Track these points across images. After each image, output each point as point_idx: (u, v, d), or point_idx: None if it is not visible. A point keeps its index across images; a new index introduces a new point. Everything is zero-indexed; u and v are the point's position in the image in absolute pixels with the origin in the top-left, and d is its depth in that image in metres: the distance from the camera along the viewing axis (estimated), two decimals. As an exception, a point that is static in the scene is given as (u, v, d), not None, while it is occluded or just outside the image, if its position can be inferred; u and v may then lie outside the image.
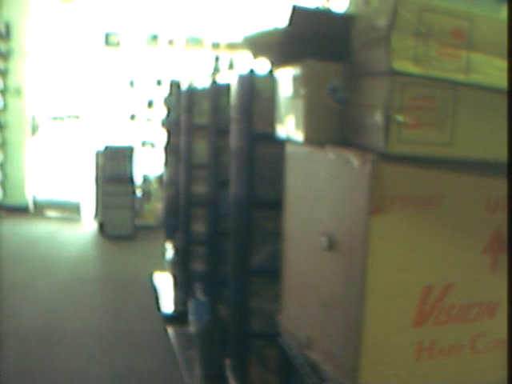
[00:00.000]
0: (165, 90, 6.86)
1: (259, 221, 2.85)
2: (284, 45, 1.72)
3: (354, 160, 1.39)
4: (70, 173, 9.39)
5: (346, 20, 1.59)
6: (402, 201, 1.36)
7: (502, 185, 1.43)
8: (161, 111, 7.41)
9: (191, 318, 4.26)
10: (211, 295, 3.86)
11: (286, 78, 1.75)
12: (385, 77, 1.37)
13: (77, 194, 9.36)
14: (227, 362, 3.06)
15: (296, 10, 1.61)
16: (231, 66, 7.90)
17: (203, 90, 4.41)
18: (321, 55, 1.58)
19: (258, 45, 2.10)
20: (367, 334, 1.39)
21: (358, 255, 1.40)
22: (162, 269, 5.82)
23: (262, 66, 2.67)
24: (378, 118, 1.37)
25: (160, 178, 7.71)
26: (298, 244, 1.78)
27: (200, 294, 4.08)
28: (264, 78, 2.76)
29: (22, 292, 5.52)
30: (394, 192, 1.35)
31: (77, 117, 9.26)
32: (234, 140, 3.03)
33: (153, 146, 9.11)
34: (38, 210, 9.28)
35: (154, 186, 8.73)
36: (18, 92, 9.19)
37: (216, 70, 7.79)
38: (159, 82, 8.97)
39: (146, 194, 8.84)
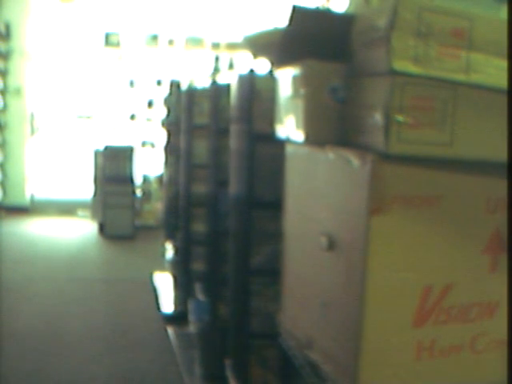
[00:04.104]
0: (165, 90, 6.86)
1: (259, 221, 2.85)
2: (284, 45, 1.72)
3: (354, 160, 1.39)
4: (69, 172, 9.39)
5: (346, 20, 1.59)
6: (402, 201, 1.36)
7: (502, 185, 1.43)
8: (161, 111, 7.41)
9: (191, 318, 4.26)
10: (211, 295, 3.86)
11: (286, 78, 1.75)
12: (385, 77, 1.37)
13: (77, 193, 9.36)
14: (227, 362, 3.06)
15: (296, 10, 1.62)
16: (231, 66, 7.90)
17: (203, 90, 4.41)
18: (321, 55, 1.58)
19: (258, 45, 2.10)
20: (367, 334, 1.39)
21: (357, 255, 1.40)
22: (162, 269, 5.82)
23: (261, 65, 2.67)
24: (378, 117, 1.37)
25: (160, 178, 7.71)
26: (298, 244, 1.78)
27: (200, 294, 4.08)
28: (264, 78, 2.76)
29: (22, 292, 5.52)
30: (394, 192, 1.35)
31: (84, 117, 9.27)
32: (234, 140, 3.03)
33: (153, 146, 9.11)
34: (38, 209, 9.28)
35: (154, 186, 8.73)
36: (18, 92, 9.19)
37: (216, 69, 7.80)
38: (159, 82, 8.97)
39: (146, 194, 8.84)
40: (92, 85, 9.17)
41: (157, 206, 8.45)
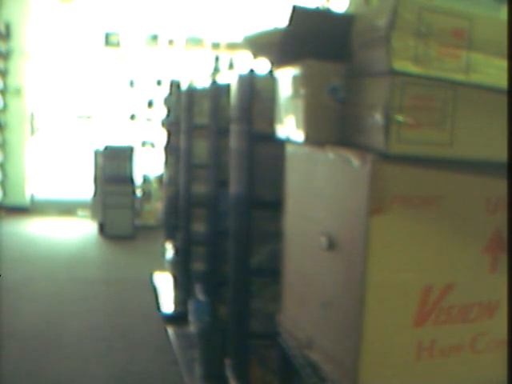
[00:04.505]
0: (165, 90, 6.86)
1: (259, 221, 2.85)
2: (284, 45, 1.72)
3: (354, 160, 1.39)
4: (69, 172, 9.39)
5: (346, 20, 1.59)
6: (402, 201, 1.36)
7: (502, 185, 1.43)
8: (161, 111, 7.41)
9: (191, 318, 4.26)
10: (211, 295, 3.86)
11: (286, 78, 1.75)
12: (385, 77, 1.37)
13: (77, 193, 9.37)
14: (227, 362, 3.06)
15: (296, 10, 1.62)
16: (231, 66, 7.90)
17: (203, 90, 4.41)
18: (321, 55, 1.58)
19: (258, 45, 2.10)
20: (367, 334, 1.39)
21: (357, 255, 1.40)
22: (162, 269, 5.82)
23: (261, 65, 2.67)
24: (378, 117, 1.37)
25: (160, 178, 7.71)
26: (298, 244, 1.78)
27: (200, 294, 4.08)
28: (264, 78, 2.76)
29: (22, 292, 5.52)
30: (394, 192, 1.35)
31: (84, 117, 9.27)
32: (233, 140, 3.03)
33: (153, 145, 9.12)
34: (38, 209, 9.28)
35: (154, 186, 8.73)
36: (18, 92, 9.19)
37: (216, 69, 7.79)
38: (159, 82, 8.97)
39: (146, 194, 8.84)
40: (92, 85, 9.17)
41: (157, 206, 8.45)
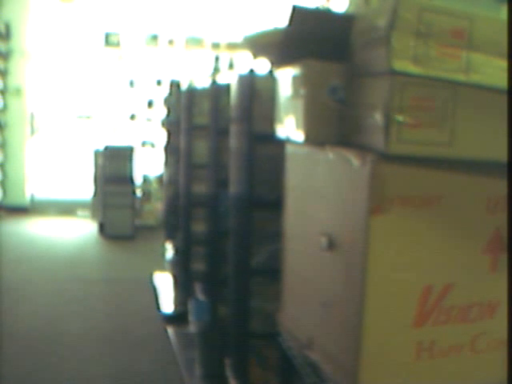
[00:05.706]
0: (165, 90, 6.87)
1: (259, 221, 2.85)
2: (284, 45, 1.72)
3: (354, 160, 1.39)
4: (69, 172, 9.39)
5: (346, 20, 1.59)
6: (402, 201, 1.36)
7: (502, 185, 1.43)
8: (161, 111, 7.41)
9: (191, 318, 4.26)
10: (211, 295, 3.86)
11: (286, 78, 1.75)
12: (385, 77, 1.37)
13: (77, 193, 9.37)
14: (227, 361, 3.06)
15: (296, 10, 1.62)
16: (231, 66, 7.90)
17: (203, 90, 4.41)
18: (321, 55, 1.58)
19: (258, 45, 2.10)
20: (367, 334, 1.39)
21: (358, 255, 1.40)
22: (162, 269, 5.82)
23: (261, 65, 2.67)
24: (378, 117, 1.37)
25: (160, 178, 7.71)
26: (298, 244, 1.78)
27: (200, 294, 4.08)
28: (264, 77, 2.75)
29: (22, 292, 5.52)
30: (394, 192, 1.35)
31: (84, 117, 9.27)
32: (233, 140, 3.03)
33: (153, 146, 9.12)
34: (38, 209, 9.28)
35: (154, 185, 8.73)
36: (18, 92, 9.19)
37: (216, 70, 7.79)
38: (159, 82, 8.97)
39: (146, 194, 8.84)
40: (92, 85, 9.17)
41: (157, 206, 8.45)
